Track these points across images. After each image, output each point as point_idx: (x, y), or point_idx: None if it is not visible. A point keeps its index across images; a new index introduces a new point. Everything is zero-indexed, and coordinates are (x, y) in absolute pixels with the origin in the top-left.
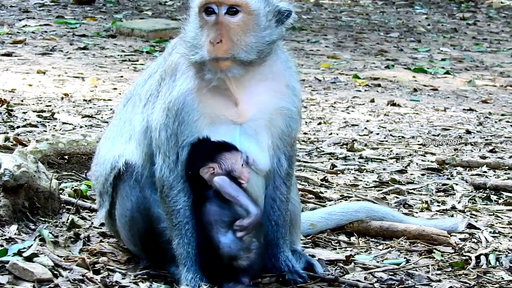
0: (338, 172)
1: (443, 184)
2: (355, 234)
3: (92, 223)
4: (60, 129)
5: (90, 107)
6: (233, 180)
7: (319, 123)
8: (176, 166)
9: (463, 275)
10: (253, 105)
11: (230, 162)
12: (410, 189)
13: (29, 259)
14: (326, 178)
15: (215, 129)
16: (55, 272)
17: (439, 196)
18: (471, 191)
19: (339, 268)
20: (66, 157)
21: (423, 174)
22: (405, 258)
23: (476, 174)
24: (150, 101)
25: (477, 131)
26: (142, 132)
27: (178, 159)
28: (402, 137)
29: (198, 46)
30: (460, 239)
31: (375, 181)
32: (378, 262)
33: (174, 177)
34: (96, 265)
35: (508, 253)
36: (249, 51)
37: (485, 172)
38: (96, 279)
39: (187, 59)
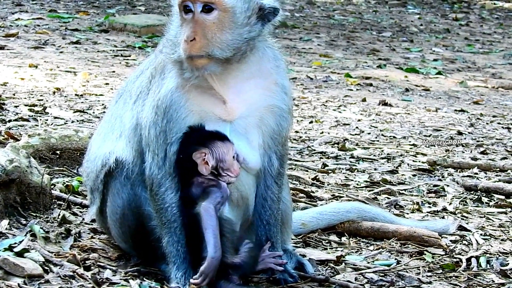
0: (329, 171)
1: (434, 185)
2: (346, 234)
3: (83, 219)
4: (52, 124)
5: (82, 102)
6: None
7: (311, 122)
8: (164, 164)
9: (454, 277)
10: (242, 102)
11: (222, 151)
12: (401, 190)
13: (20, 254)
14: (317, 177)
15: (205, 126)
16: (46, 268)
17: (430, 197)
18: (462, 193)
19: (329, 268)
20: (58, 152)
21: (414, 175)
22: (395, 259)
23: (467, 176)
24: (140, 98)
25: (469, 132)
26: (132, 129)
27: (166, 156)
28: (394, 137)
29: (177, 45)
30: (451, 241)
31: (366, 181)
32: (368, 262)
33: (163, 175)
34: (86, 262)
35: (499, 255)
36: (224, 48)
37: (476, 173)
38: (87, 276)
39: (168, 58)
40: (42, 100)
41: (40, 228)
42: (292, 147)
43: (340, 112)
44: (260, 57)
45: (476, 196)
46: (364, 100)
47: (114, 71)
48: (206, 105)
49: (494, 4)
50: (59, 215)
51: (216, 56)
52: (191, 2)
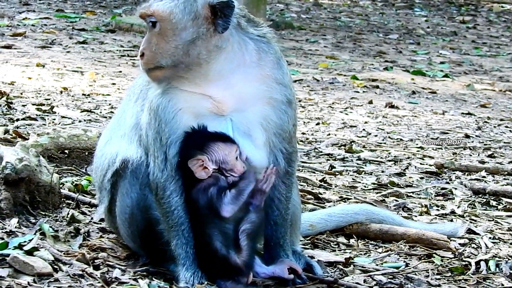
0: (337, 173)
1: (442, 188)
2: (354, 236)
3: (92, 218)
4: (59, 123)
5: (89, 102)
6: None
7: (317, 124)
8: (165, 167)
9: (463, 280)
10: (231, 96)
11: (223, 153)
12: (409, 192)
13: (30, 252)
14: (324, 179)
15: (204, 123)
16: (55, 266)
17: (438, 200)
18: (470, 196)
19: (338, 270)
20: (67, 151)
21: (421, 178)
22: (404, 261)
23: (475, 179)
24: (140, 97)
25: (476, 136)
26: (132, 127)
27: (166, 159)
28: (401, 139)
29: None
30: (459, 244)
31: (374, 184)
32: (377, 265)
33: (166, 178)
34: (95, 261)
35: (508, 259)
36: (168, 56)
37: (484, 177)
38: (96, 275)
39: None
40: (49, 99)
41: (49, 227)
42: (299, 148)
43: (346, 114)
44: (238, 50)
45: (484, 200)
46: (370, 102)
47: (120, 71)
48: (193, 101)
49: (502, 7)
50: (68, 214)
51: (164, 65)
52: (143, 19)
